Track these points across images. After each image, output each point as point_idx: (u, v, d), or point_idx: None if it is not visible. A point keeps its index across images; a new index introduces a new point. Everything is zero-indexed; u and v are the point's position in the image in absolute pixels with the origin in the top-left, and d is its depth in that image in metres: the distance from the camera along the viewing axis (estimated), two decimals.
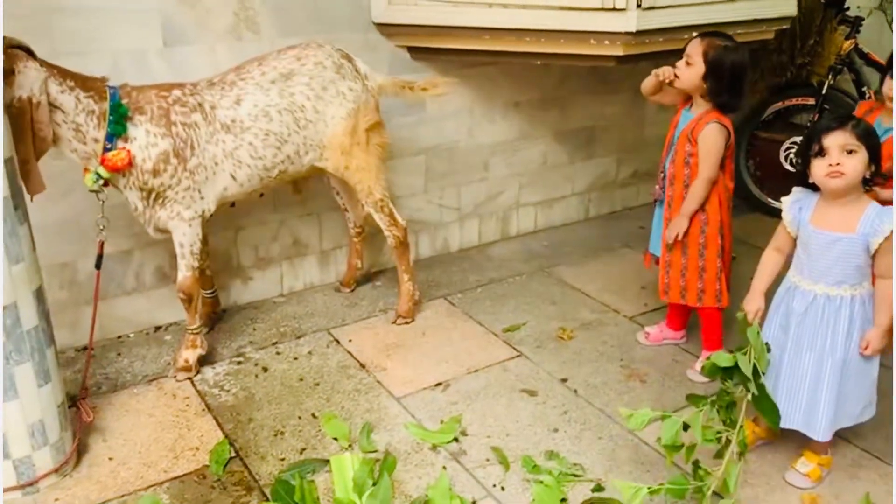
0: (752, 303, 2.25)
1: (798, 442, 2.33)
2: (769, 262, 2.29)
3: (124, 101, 2.38)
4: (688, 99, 2.68)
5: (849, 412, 2.21)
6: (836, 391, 2.14)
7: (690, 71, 2.55)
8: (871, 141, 2.02)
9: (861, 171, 2.01)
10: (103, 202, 2.45)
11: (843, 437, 2.41)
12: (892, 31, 5.12)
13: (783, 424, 2.18)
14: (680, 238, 2.66)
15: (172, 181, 2.47)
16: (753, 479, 2.28)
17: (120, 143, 2.38)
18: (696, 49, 2.55)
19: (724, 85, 2.53)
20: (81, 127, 2.32)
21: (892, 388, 2.53)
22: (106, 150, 2.36)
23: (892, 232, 1.99)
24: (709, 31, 2.64)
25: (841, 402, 2.17)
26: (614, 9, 2.84)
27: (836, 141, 2.01)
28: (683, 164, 2.64)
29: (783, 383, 2.22)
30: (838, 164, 2.00)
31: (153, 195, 2.48)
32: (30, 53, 2.18)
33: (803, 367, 2.17)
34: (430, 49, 3.24)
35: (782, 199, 2.22)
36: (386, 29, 3.19)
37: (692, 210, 2.63)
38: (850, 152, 2.00)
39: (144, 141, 2.42)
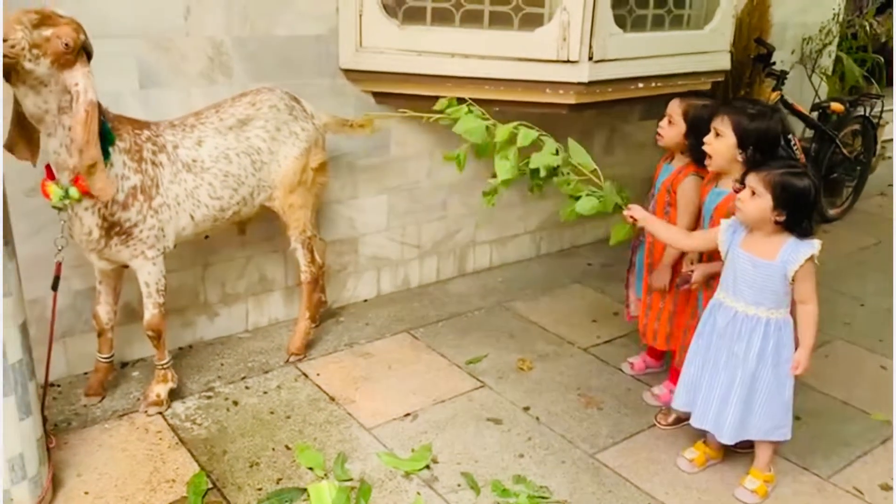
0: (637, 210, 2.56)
1: (745, 462, 2.54)
2: (681, 237, 2.57)
3: (110, 126, 2.39)
4: (669, 154, 2.88)
5: (756, 425, 2.40)
6: (743, 400, 2.36)
7: (673, 129, 2.73)
8: (776, 189, 2.21)
9: (758, 210, 2.23)
10: (64, 222, 2.40)
11: (783, 455, 2.63)
12: (811, 84, 5.57)
13: (697, 424, 2.46)
14: (666, 289, 2.82)
15: (138, 218, 2.50)
16: (705, 497, 2.45)
17: None
18: (675, 109, 2.73)
19: (702, 141, 2.64)
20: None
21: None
22: None
23: (807, 260, 2.23)
24: (686, 92, 2.83)
25: (747, 413, 2.38)
26: (568, 61, 3.07)
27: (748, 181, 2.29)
28: (663, 213, 2.81)
29: (702, 391, 2.45)
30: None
31: (115, 228, 2.48)
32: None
33: (720, 377, 2.40)
34: (395, 94, 3.40)
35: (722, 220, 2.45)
36: (353, 75, 3.34)
37: (672, 259, 2.78)
38: (752, 193, 2.26)
39: (120, 171, 2.43)
